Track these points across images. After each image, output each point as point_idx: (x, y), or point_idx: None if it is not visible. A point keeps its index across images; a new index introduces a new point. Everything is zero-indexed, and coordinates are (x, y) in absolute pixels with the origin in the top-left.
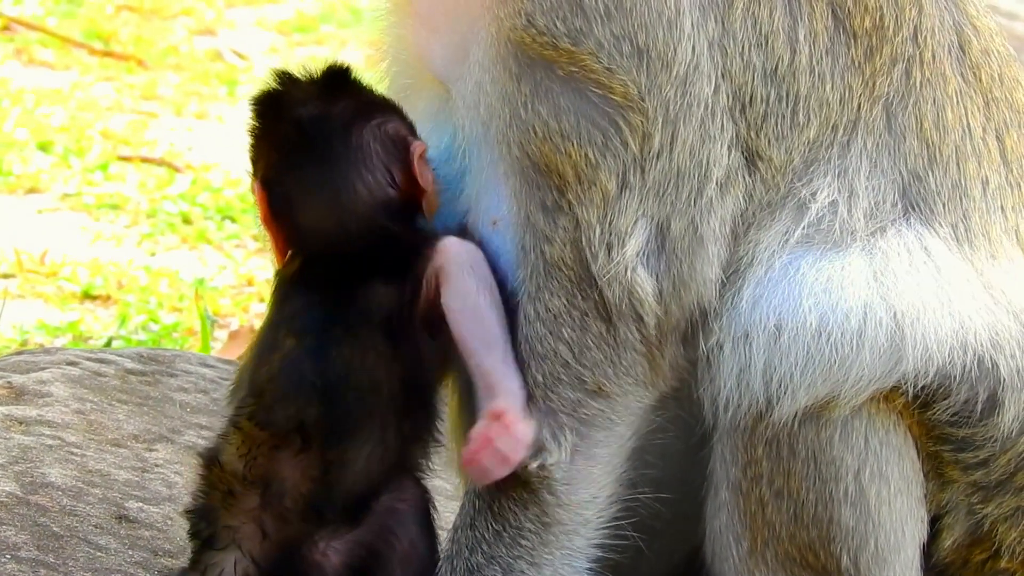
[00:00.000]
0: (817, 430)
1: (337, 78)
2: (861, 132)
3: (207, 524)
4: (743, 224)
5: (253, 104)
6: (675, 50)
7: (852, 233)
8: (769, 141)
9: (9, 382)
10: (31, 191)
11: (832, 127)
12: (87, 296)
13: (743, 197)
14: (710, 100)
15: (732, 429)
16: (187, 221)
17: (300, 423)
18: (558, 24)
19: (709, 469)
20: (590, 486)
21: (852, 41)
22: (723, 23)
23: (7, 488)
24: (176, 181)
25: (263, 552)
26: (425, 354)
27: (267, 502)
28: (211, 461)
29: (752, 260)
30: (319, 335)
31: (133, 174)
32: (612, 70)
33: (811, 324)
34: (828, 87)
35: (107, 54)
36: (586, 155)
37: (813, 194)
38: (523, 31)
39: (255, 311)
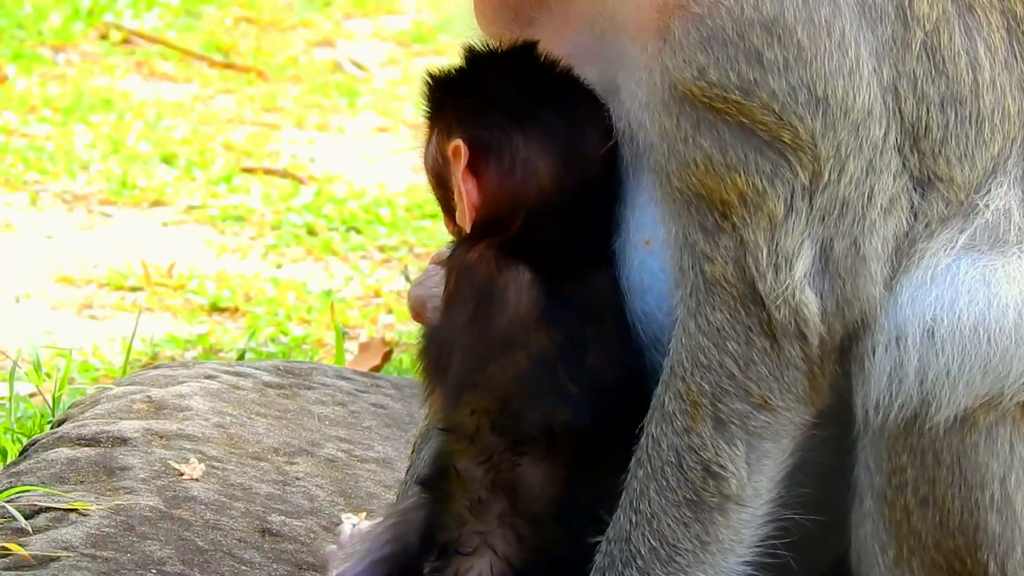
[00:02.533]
0: (962, 436)
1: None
2: None
3: (447, 531)
4: (909, 239)
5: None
6: (853, 98)
7: (1017, 235)
8: (950, 162)
9: (149, 396)
10: (156, 204)
11: (1012, 139)
12: (215, 308)
13: (907, 218)
14: (879, 140)
15: (879, 435)
16: (312, 233)
17: (548, 428)
18: (731, 77)
19: (853, 478)
20: (756, 502)
21: None
22: (897, 67)
23: (150, 503)
24: (300, 193)
25: (520, 555)
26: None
27: (517, 507)
28: (443, 472)
29: (913, 265)
30: (571, 334)
31: (257, 186)
32: (784, 119)
33: (967, 321)
34: (1009, 99)
35: (227, 66)
36: (753, 184)
37: (987, 204)
38: (693, 83)
39: (383, 322)
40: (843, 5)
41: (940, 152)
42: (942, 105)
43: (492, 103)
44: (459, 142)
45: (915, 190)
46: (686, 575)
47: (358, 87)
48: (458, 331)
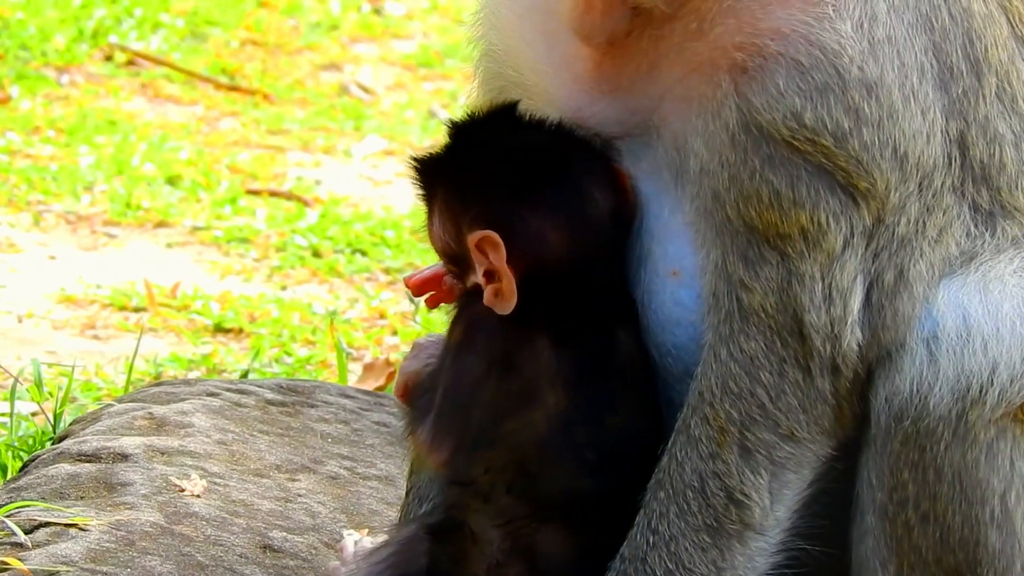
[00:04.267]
0: (963, 452)
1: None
2: None
3: None
4: (967, 256)
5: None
6: (926, 156)
7: None
8: None
9: (150, 413)
10: (160, 225)
11: None
12: (219, 329)
13: (959, 242)
14: (939, 187)
15: (882, 450)
16: (317, 255)
17: (569, 497)
18: (828, 124)
19: (854, 494)
20: (774, 531)
21: None
22: (966, 119)
23: (151, 518)
24: (305, 215)
25: None
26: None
27: (535, 572)
28: (456, 527)
29: (962, 274)
30: (590, 394)
31: (262, 208)
32: (866, 169)
33: (1006, 327)
34: None
35: (233, 88)
36: (817, 220)
37: None
38: (782, 123)
39: (388, 344)
40: (928, 71)
41: (1017, 185)
42: (1016, 142)
43: (494, 182)
44: (489, 233)
45: (975, 219)
46: None
47: (364, 110)
48: (472, 383)
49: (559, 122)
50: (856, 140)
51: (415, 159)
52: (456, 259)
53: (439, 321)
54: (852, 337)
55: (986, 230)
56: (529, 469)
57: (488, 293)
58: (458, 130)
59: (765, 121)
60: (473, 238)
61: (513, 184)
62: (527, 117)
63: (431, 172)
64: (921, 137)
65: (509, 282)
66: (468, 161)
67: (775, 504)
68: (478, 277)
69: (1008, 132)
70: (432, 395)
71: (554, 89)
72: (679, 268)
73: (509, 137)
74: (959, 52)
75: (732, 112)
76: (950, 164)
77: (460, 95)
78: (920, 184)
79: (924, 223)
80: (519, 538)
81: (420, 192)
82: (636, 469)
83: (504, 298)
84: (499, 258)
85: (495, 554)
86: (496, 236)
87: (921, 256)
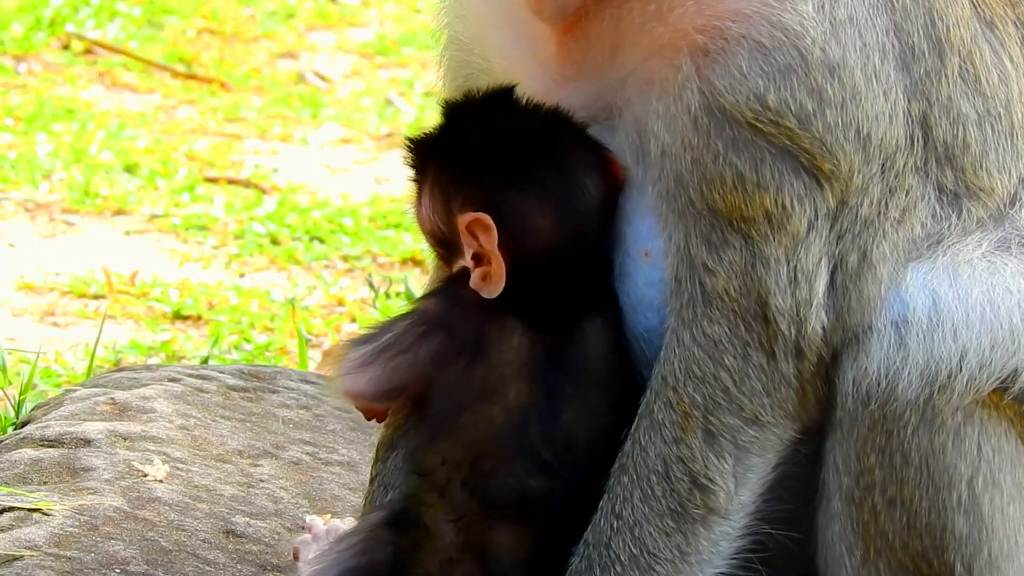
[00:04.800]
0: (931, 437)
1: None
2: None
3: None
4: (935, 239)
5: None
6: (889, 137)
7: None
8: (991, 174)
9: (112, 398)
10: (119, 212)
11: None
12: (178, 316)
13: (924, 224)
14: (901, 167)
15: (848, 435)
16: (275, 242)
17: (521, 496)
18: (791, 105)
19: (820, 480)
20: (738, 515)
21: None
22: (928, 99)
23: (115, 503)
24: (263, 203)
25: None
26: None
27: (487, 569)
28: (409, 522)
29: (931, 258)
30: (550, 389)
31: (220, 196)
32: (831, 151)
33: (975, 311)
34: None
35: (190, 77)
36: (781, 203)
37: (1018, 210)
38: (745, 105)
39: (347, 330)
40: (889, 52)
41: (981, 166)
42: (980, 122)
43: (487, 165)
44: (481, 216)
45: (941, 200)
46: None
47: (321, 99)
48: (439, 361)
49: (554, 108)
50: (820, 122)
51: (409, 138)
52: (444, 241)
53: (398, 310)
54: (817, 320)
55: (952, 211)
56: (483, 466)
57: (476, 276)
58: (453, 111)
59: (728, 104)
60: (464, 220)
61: (506, 168)
62: (523, 102)
63: (424, 151)
64: (884, 118)
65: (499, 266)
66: (462, 143)
67: (739, 488)
68: (466, 260)
69: (971, 112)
70: (380, 333)
71: (521, 75)
72: (650, 248)
73: (504, 121)
74: (920, 32)
75: (694, 95)
76: (912, 144)
77: (417, 83)
78: (883, 165)
79: (887, 204)
80: (472, 535)
81: (412, 171)
82: (595, 471)
83: (492, 281)
84: (490, 241)
85: (448, 550)
86: (487, 218)
87: (884, 237)
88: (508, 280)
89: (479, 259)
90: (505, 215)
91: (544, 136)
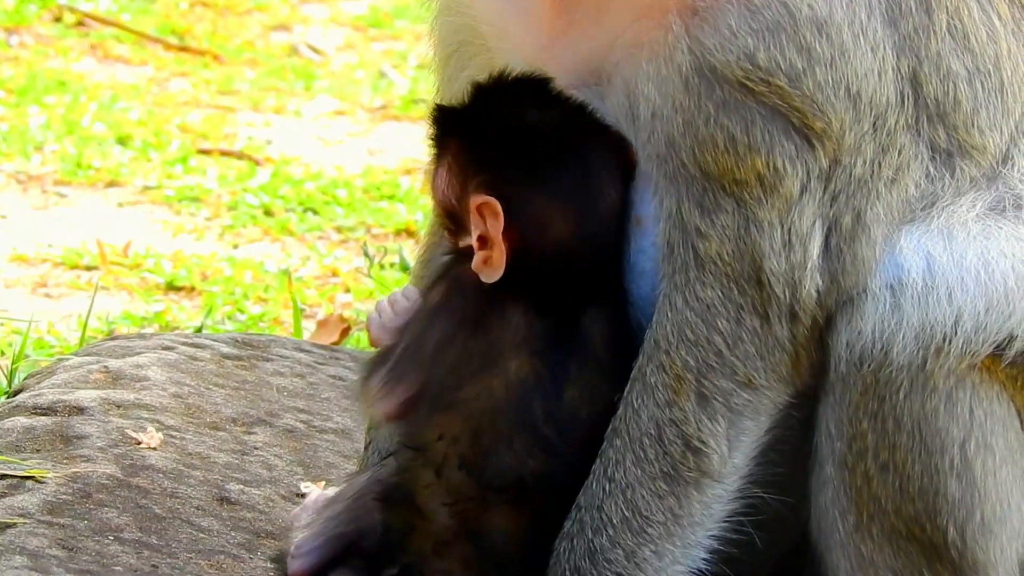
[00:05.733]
0: (923, 401)
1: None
2: None
3: (408, 554)
4: (929, 200)
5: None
6: (879, 94)
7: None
8: (983, 132)
9: (106, 367)
10: (111, 184)
11: None
12: (171, 287)
13: (918, 184)
14: (892, 126)
15: (841, 399)
16: (269, 213)
17: (519, 479)
18: (781, 63)
19: (814, 444)
20: (731, 478)
21: None
22: (918, 55)
23: (108, 471)
24: (256, 174)
25: None
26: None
27: (483, 552)
28: (401, 500)
29: (926, 219)
30: (552, 365)
31: (213, 167)
32: (822, 109)
33: (970, 273)
34: (1023, 67)
35: (183, 49)
36: (774, 165)
37: (1010, 168)
38: (736, 64)
39: (341, 301)
40: (876, 8)
41: (973, 123)
42: (970, 79)
43: (510, 160)
44: (492, 200)
45: (934, 160)
46: (656, 546)
47: (314, 71)
48: (439, 342)
49: (583, 103)
50: (810, 79)
51: (437, 107)
52: (453, 215)
53: (392, 281)
54: (811, 283)
55: (946, 171)
56: (482, 441)
57: (477, 259)
58: (484, 92)
59: (719, 63)
60: (475, 201)
61: (528, 167)
62: (555, 92)
63: (449, 124)
64: (873, 75)
65: (500, 253)
66: (489, 129)
67: (732, 451)
68: (472, 240)
69: (961, 69)
70: (395, 347)
71: (514, 38)
72: (641, 215)
73: (534, 115)
74: None
75: (684, 55)
76: (903, 102)
77: (410, 55)
78: (874, 123)
79: (880, 163)
80: (467, 519)
81: (433, 140)
82: (588, 449)
83: (491, 267)
84: (496, 227)
85: (442, 532)
86: (498, 205)
87: (878, 198)
88: (508, 268)
89: (483, 242)
90: (519, 207)
91: (573, 135)
